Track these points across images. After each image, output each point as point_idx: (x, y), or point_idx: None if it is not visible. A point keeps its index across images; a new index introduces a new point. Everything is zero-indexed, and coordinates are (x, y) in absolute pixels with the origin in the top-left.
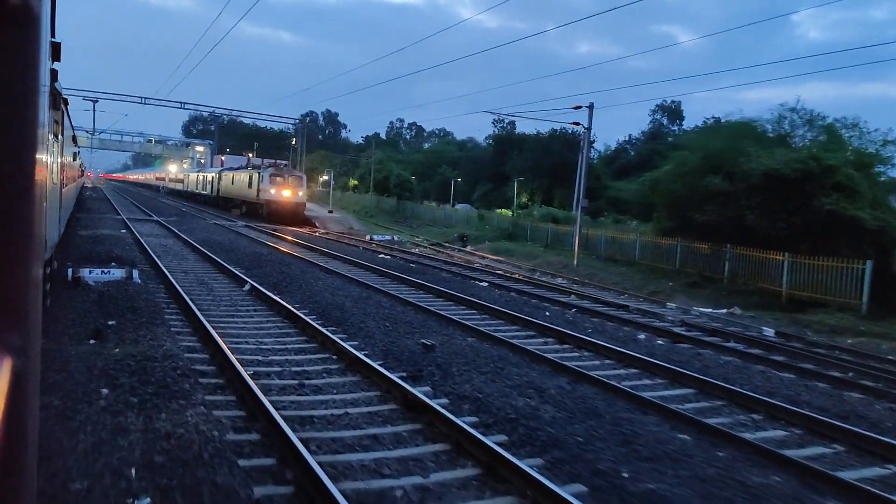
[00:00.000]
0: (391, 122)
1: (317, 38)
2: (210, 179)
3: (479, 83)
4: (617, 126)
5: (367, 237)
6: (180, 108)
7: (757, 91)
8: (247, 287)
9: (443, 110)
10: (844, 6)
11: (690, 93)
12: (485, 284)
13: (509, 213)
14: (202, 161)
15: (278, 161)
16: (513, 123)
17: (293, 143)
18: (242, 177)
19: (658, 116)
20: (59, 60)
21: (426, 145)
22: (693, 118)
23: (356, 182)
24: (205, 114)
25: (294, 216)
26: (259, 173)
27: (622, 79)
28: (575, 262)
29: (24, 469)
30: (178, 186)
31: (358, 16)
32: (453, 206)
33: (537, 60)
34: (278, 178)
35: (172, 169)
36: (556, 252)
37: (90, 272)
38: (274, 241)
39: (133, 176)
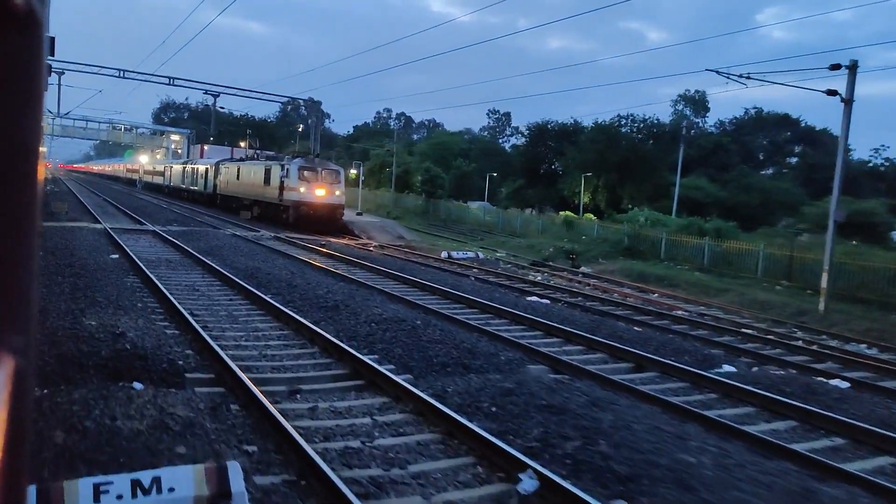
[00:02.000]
0: (378, 112)
1: (288, 28)
2: (203, 173)
3: (452, 77)
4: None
5: (443, 254)
6: (168, 84)
7: (720, 88)
8: (531, 486)
9: (420, 103)
10: (808, 7)
11: (658, 88)
12: (845, 386)
13: (569, 214)
14: (179, 151)
15: (288, 151)
16: (508, 114)
17: (299, 128)
18: (255, 171)
19: (680, 108)
20: (52, 55)
21: (415, 136)
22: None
23: (354, 175)
24: (178, 101)
25: (330, 222)
26: (283, 166)
27: (595, 75)
28: (821, 306)
29: (22, 465)
30: (159, 180)
31: (328, 7)
32: (464, 202)
33: (510, 56)
34: (309, 173)
35: (144, 160)
36: (734, 280)
37: (104, 492)
38: (353, 271)
39: (97, 167)
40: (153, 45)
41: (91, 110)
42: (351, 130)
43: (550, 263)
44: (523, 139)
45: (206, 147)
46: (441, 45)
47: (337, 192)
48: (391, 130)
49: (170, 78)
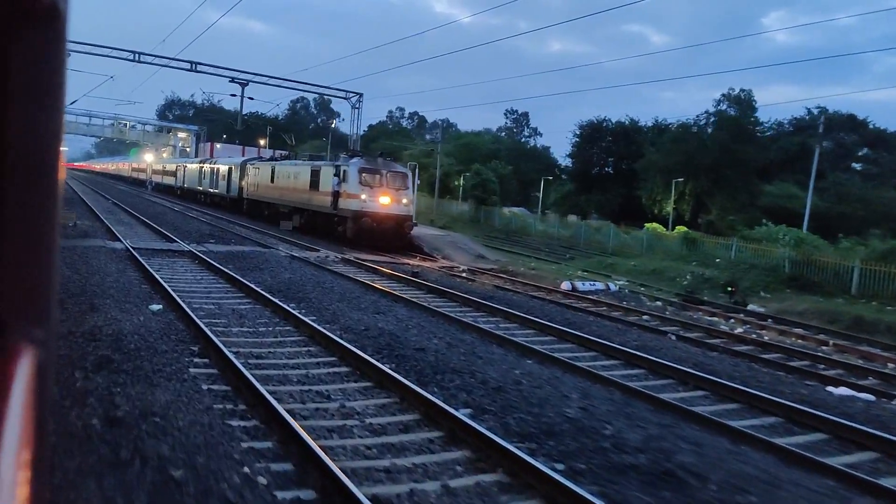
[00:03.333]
0: (390, 112)
1: (289, 29)
2: (225, 173)
3: (452, 77)
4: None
5: (565, 285)
6: (191, 69)
7: (723, 91)
8: None
9: (422, 103)
10: (811, 10)
11: (659, 91)
12: None
13: (656, 227)
14: (187, 149)
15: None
16: (526, 114)
17: (332, 123)
18: (297, 173)
19: (723, 107)
20: (69, 56)
21: (428, 137)
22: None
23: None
24: (183, 98)
25: (397, 238)
26: (337, 168)
27: (594, 78)
28: None
29: (45, 456)
30: (169, 181)
31: (329, 8)
32: (505, 208)
33: (510, 58)
34: (371, 176)
35: (151, 158)
36: None
37: None
38: (510, 329)
39: (99, 165)
40: (153, 42)
41: (100, 100)
42: (366, 129)
43: (706, 299)
44: (574, 139)
45: (217, 145)
46: (444, 46)
47: (404, 201)
48: (405, 129)
49: (192, 63)
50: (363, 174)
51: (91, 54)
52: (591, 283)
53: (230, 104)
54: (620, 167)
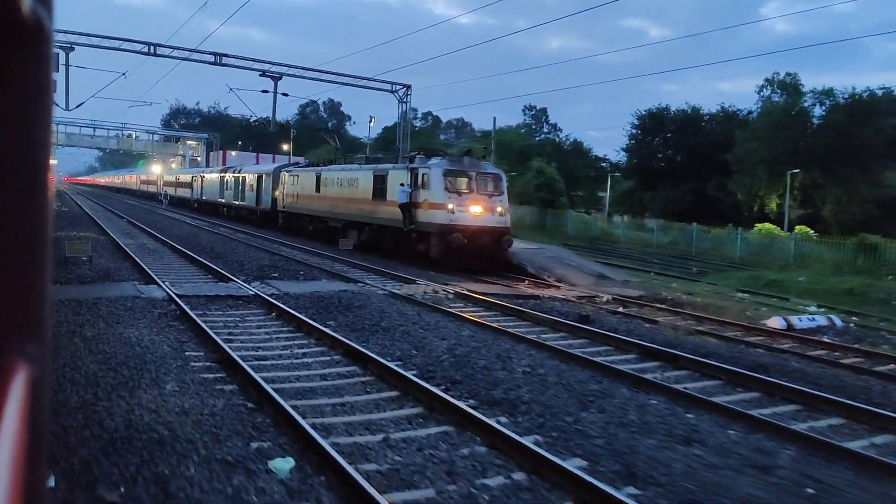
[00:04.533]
0: (403, 112)
1: (290, 35)
2: (253, 183)
3: (455, 77)
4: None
5: (776, 322)
6: (214, 62)
7: (726, 82)
8: None
9: (429, 103)
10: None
11: (660, 84)
12: None
13: (770, 228)
14: (198, 159)
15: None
16: (545, 110)
17: (371, 120)
18: (354, 179)
19: (766, 92)
20: (56, 70)
21: (443, 137)
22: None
23: None
24: (189, 107)
25: (494, 255)
26: (413, 171)
27: (594, 74)
28: None
29: (42, 472)
30: (184, 193)
31: (329, 13)
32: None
33: (508, 55)
34: (457, 180)
35: (159, 170)
36: None
37: None
38: None
39: (105, 179)
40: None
41: (112, 101)
42: (380, 132)
43: None
44: (632, 130)
45: (232, 153)
46: (445, 47)
47: (499, 209)
48: (424, 129)
49: (216, 55)
50: (448, 178)
51: (101, 48)
52: (809, 317)
53: (236, 111)
54: (683, 160)
